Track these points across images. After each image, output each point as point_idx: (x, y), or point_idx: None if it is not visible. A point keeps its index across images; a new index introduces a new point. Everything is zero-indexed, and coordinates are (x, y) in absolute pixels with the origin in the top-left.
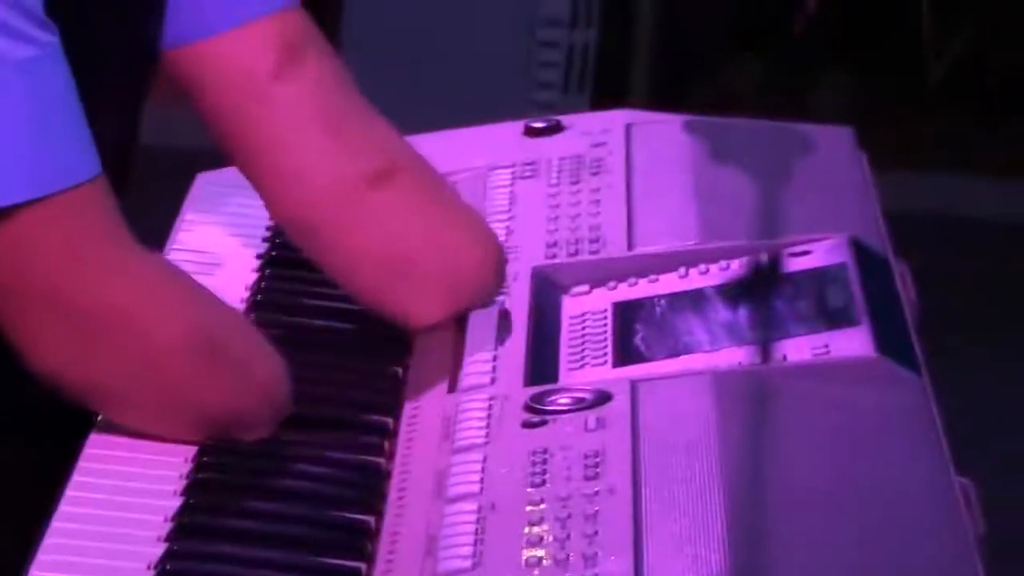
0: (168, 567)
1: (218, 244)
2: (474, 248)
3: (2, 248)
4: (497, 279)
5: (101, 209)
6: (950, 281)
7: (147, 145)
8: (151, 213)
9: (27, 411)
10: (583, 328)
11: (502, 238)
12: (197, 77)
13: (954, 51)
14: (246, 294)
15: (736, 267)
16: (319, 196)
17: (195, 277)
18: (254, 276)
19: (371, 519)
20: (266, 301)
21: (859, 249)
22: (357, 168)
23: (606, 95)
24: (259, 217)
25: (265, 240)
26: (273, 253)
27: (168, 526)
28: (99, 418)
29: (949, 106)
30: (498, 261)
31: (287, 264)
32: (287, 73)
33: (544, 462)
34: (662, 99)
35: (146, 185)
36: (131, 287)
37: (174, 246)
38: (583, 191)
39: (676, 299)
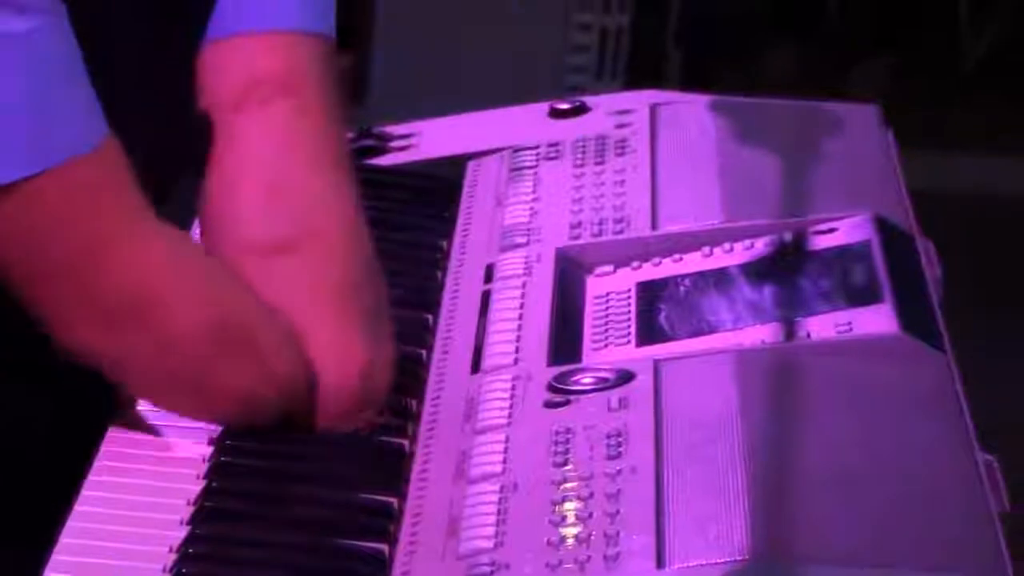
0: (190, 550)
1: None
2: (351, 348)
3: (9, 223)
4: (368, 394)
5: (109, 181)
6: (979, 260)
7: None
8: None
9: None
10: (607, 308)
11: (526, 219)
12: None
13: (991, 33)
14: None
15: (760, 245)
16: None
17: None
18: None
19: (394, 500)
20: None
21: (884, 226)
22: (265, 230)
23: (639, 80)
24: None
25: None
26: None
27: (190, 509)
28: (121, 399)
29: (985, 88)
30: (376, 375)
31: None
32: (249, 109)
33: (567, 442)
34: (695, 84)
35: None
36: (143, 266)
37: None
38: (607, 171)
39: (700, 278)
